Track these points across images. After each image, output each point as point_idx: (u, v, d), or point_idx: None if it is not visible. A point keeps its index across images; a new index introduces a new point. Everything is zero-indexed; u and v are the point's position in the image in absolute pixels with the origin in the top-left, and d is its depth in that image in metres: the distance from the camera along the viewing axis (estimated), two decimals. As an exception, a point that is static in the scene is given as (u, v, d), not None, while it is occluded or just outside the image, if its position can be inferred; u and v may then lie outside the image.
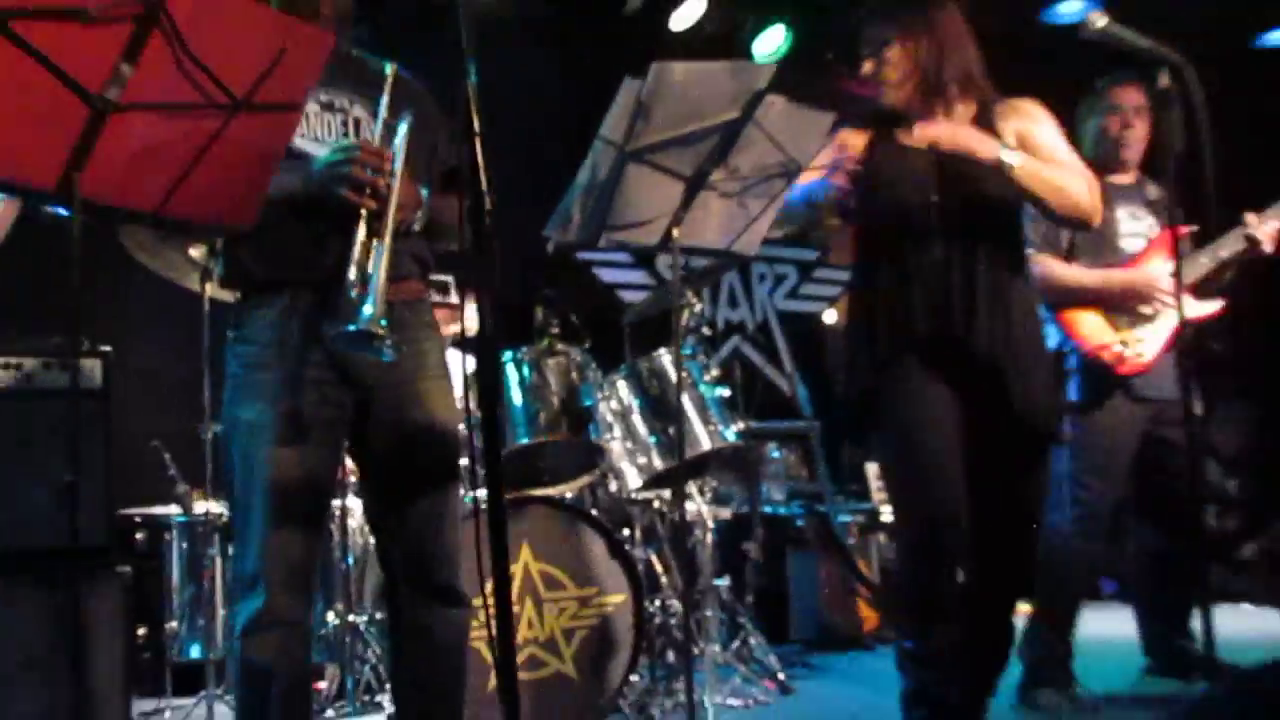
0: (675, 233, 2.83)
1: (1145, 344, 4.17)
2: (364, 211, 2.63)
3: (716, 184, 2.84)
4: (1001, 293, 3.20)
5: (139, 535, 4.90)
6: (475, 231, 2.09)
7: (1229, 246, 4.23)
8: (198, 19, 2.14)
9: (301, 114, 2.53)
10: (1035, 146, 3.24)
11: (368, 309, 2.49)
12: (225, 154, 2.32)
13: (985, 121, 3.25)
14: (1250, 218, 4.20)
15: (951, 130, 3.17)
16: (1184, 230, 4.19)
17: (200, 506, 4.76)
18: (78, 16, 2.02)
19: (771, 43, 7.18)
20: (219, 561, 4.76)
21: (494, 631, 2.09)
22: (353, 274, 2.58)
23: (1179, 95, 3.25)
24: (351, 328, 2.49)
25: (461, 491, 4.22)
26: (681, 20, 6.86)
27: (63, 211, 2.19)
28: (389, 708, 4.30)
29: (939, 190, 3.21)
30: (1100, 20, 3.40)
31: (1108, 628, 4.66)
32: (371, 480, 2.98)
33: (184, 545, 4.80)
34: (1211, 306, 4.29)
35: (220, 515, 4.66)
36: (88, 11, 2.02)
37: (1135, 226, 4.35)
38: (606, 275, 6.33)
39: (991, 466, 3.21)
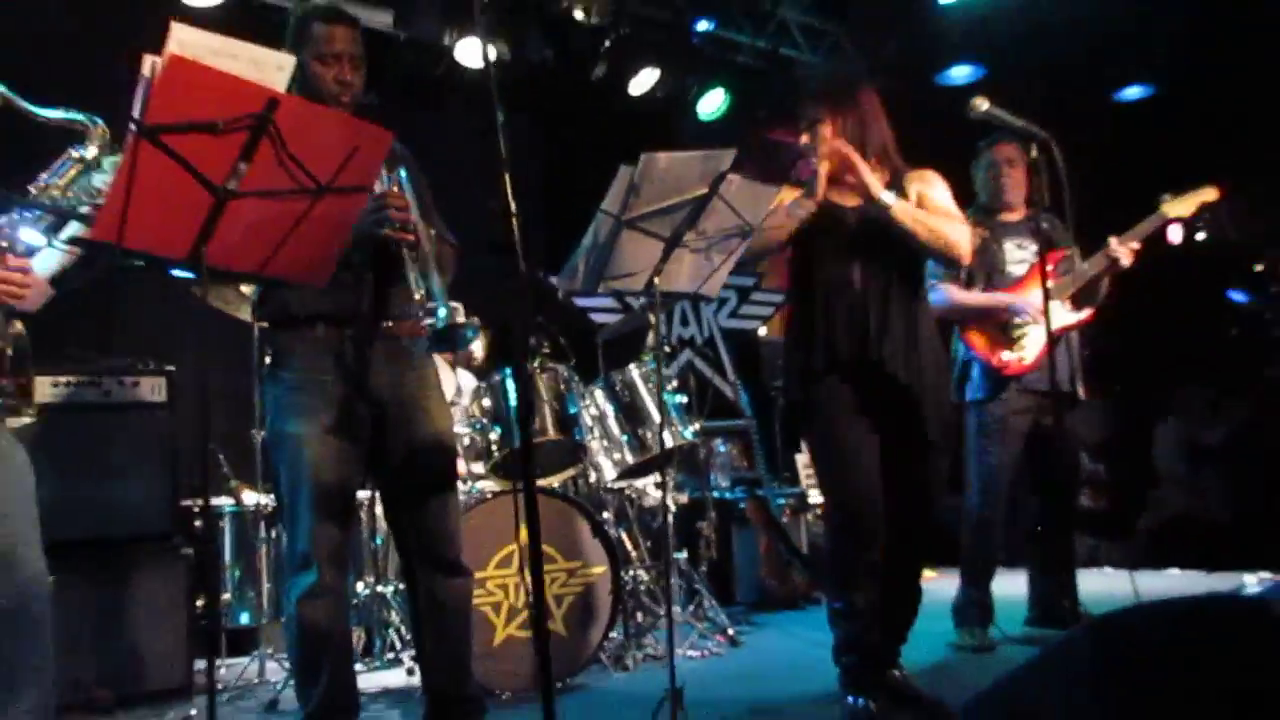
0: (656, 281, 3.11)
1: (1026, 350, 4.44)
2: (405, 244, 2.88)
3: (689, 243, 3.10)
4: (908, 323, 3.44)
5: (197, 523, 4.86)
6: (511, 276, 2.36)
7: (1096, 264, 4.47)
8: (296, 126, 2.38)
9: (369, 194, 2.75)
10: (929, 202, 3.49)
11: (441, 311, 2.76)
12: (311, 227, 2.55)
13: (896, 186, 3.46)
14: (1112, 240, 4.45)
15: (854, 154, 3.37)
16: (1057, 255, 4.45)
17: (249, 498, 4.86)
18: (210, 129, 2.27)
19: (713, 103, 7.29)
20: (264, 544, 4.83)
21: (530, 589, 2.34)
22: (417, 291, 2.84)
23: (1045, 162, 3.54)
24: (440, 326, 2.75)
25: (462, 485, 4.45)
26: (639, 86, 6.91)
27: (190, 275, 2.45)
28: (408, 662, 4.47)
29: (859, 241, 3.45)
30: (983, 104, 3.60)
31: (1007, 587, 4.83)
32: (386, 478, 3.19)
33: (235, 530, 4.84)
34: (1082, 314, 4.54)
35: (265, 505, 4.78)
36: (217, 125, 2.28)
37: (1020, 255, 4.58)
38: (580, 301, 6.47)
39: (899, 460, 3.43)
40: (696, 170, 2.93)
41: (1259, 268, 5.64)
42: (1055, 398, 4.23)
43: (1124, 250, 4.43)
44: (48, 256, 2.48)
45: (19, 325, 2.43)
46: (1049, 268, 4.32)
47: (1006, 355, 4.48)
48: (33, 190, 2.41)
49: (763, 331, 7.63)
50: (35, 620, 2.66)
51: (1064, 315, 4.49)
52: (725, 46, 7.43)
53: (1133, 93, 7.72)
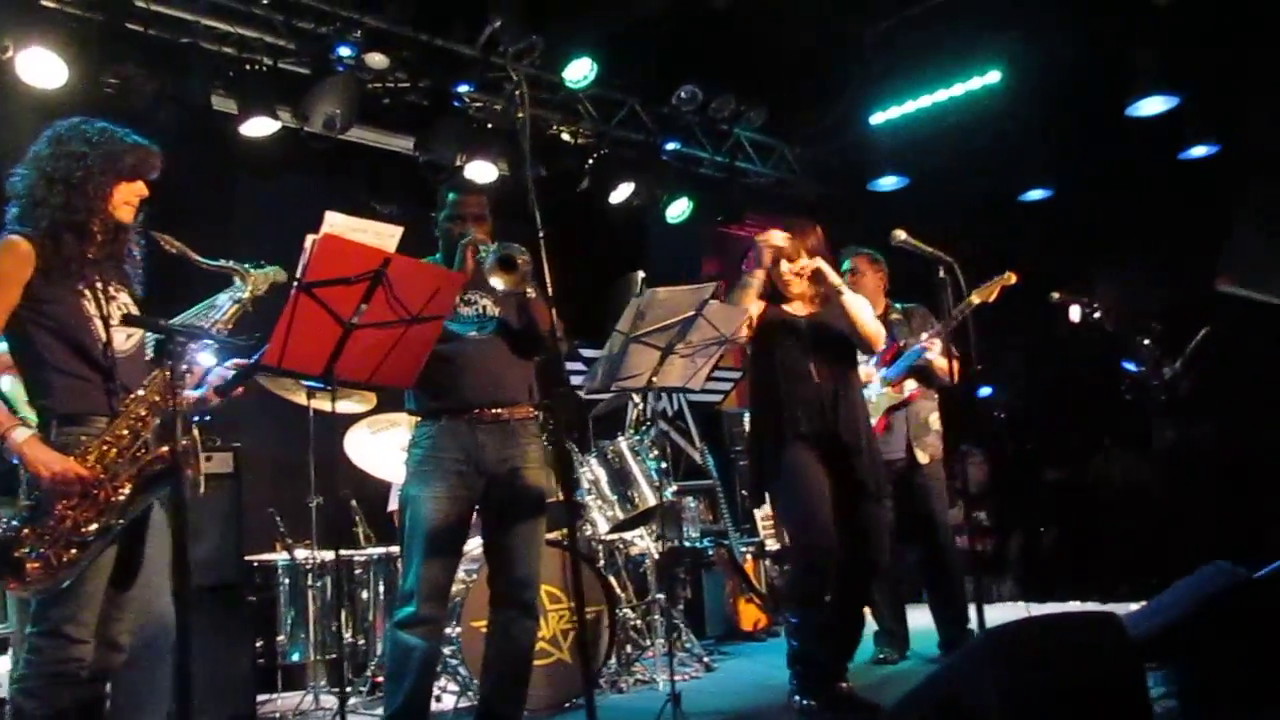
0: (654, 379, 3.86)
1: None
2: None
3: (679, 351, 3.85)
4: (851, 401, 4.17)
5: (257, 576, 5.40)
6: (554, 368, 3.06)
7: (907, 358, 5.15)
8: (401, 276, 3.11)
9: (445, 321, 3.42)
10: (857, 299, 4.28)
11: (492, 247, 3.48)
12: (404, 346, 3.26)
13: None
14: (923, 335, 5.14)
15: (824, 263, 4.17)
16: (893, 349, 5.15)
17: (301, 553, 5.31)
18: (344, 282, 3.00)
19: (679, 209, 7.91)
20: (311, 592, 5.27)
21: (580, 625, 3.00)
22: None
23: (949, 281, 4.17)
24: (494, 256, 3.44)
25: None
26: (618, 195, 7.51)
27: (320, 385, 3.14)
28: (437, 691, 4.87)
29: (812, 341, 4.17)
30: (901, 234, 4.22)
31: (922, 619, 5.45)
32: (490, 531, 3.74)
33: (288, 581, 5.31)
34: (903, 395, 5.20)
35: (313, 559, 5.26)
36: (350, 279, 3.00)
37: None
38: (575, 380, 7.05)
39: (849, 509, 4.06)
40: (687, 299, 3.69)
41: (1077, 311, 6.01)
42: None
43: (930, 342, 5.08)
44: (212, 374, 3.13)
45: (195, 430, 3.06)
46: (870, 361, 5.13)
47: None
48: (206, 326, 3.07)
49: (722, 400, 8.07)
50: (161, 655, 3.08)
51: (890, 395, 5.19)
52: (689, 161, 8.19)
53: (1035, 193, 8.29)
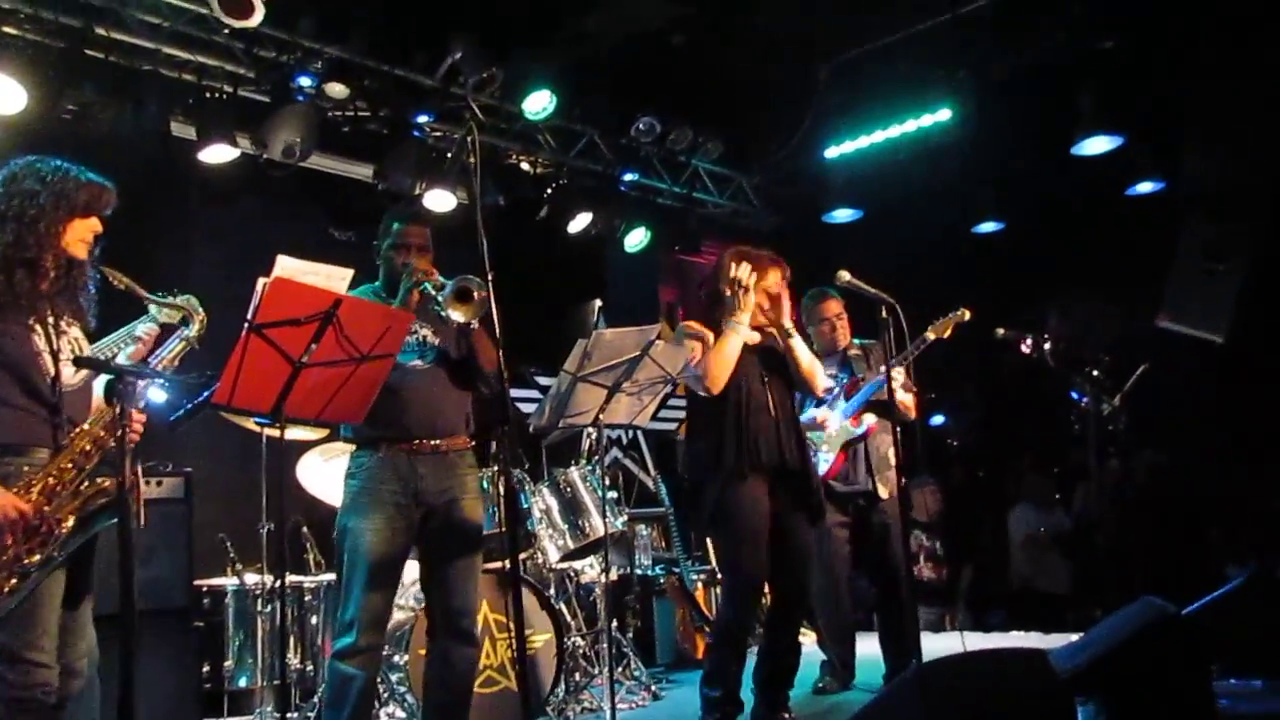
0: (600, 416, 3.96)
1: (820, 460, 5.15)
2: None
3: (625, 389, 3.97)
4: (798, 428, 4.31)
5: (206, 600, 5.39)
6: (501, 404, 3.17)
7: (867, 390, 5.21)
8: (350, 317, 3.20)
9: (395, 360, 3.49)
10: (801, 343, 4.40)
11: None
12: (354, 384, 3.35)
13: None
14: (883, 368, 5.08)
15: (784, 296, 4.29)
16: (855, 384, 5.26)
17: (251, 578, 5.31)
18: (295, 323, 3.08)
19: (636, 238, 8.03)
20: (259, 618, 5.25)
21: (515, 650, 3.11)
22: None
23: (890, 321, 4.19)
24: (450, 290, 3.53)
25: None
26: (576, 225, 7.65)
27: (268, 422, 3.22)
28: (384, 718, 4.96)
29: (765, 369, 4.27)
30: (845, 275, 4.27)
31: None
32: (426, 562, 3.82)
33: (237, 606, 5.30)
34: (862, 429, 5.23)
35: (262, 585, 5.24)
36: (300, 320, 3.08)
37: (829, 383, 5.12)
38: (526, 408, 7.14)
39: (789, 535, 4.19)
40: (632, 340, 3.81)
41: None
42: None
43: (895, 373, 5.00)
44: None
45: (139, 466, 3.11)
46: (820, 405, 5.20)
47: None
48: (153, 363, 3.15)
49: (678, 429, 8.17)
50: (92, 680, 3.17)
51: (848, 429, 5.25)
52: (647, 191, 8.33)
53: (987, 227, 8.50)
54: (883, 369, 5.13)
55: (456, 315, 3.54)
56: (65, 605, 3.04)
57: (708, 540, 7.24)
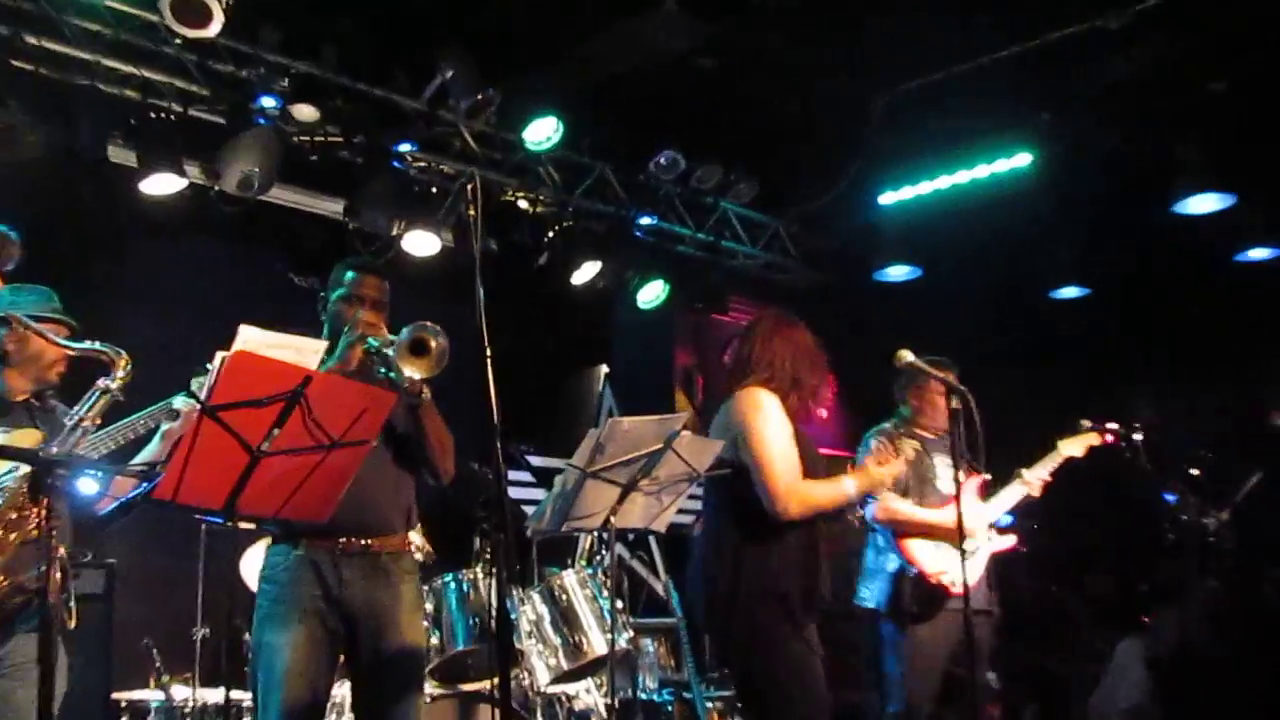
0: (612, 520, 3.97)
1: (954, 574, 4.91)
2: None
3: (642, 487, 3.98)
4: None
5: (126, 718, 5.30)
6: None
7: (1014, 494, 5.23)
8: (320, 397, 3.20)
9: (371, 447, 3.48)
10: None
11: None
12: (321, 475, 3.34)
13: None
14: (1024, 472, 5.24)
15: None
16: (982, 480, 5.17)
17: (180, 692, 5.25)
18: (256, 404, 3.09)
19: (652, 293, 8.07)
20: None
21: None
22: None
23: (962, 411, 4.26)
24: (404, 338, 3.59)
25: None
26: (581, 275, 7.63)
27: (219, 520, 3.23)
28: None
29: None
30: (908, 356, 4.39)
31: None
32: (357, 684, 3.82)
33: None
34: (1008, 541, 5.24)
35: (194, 701, 5.22)
36: (262, 401, 3.10)
37: (948, 473, 5.13)
38: (514, 493, 7.13)
39: None
40: (653, 430, 3.82)
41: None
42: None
43: (1035, 481, 5.25)
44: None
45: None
46: (972, 492, 5.13)
47: (947, 577, 4.95)
48: (67, 422, 3.19)
49: (693, 525, 8.17)
50: None
51: (995, 540, 5.22)
52: (666, 238, 8.39)
53: (1069, 293, 8.54)
54: (1024, 473, 5.29)
55: (411, 371, 3.57)
56: None
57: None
